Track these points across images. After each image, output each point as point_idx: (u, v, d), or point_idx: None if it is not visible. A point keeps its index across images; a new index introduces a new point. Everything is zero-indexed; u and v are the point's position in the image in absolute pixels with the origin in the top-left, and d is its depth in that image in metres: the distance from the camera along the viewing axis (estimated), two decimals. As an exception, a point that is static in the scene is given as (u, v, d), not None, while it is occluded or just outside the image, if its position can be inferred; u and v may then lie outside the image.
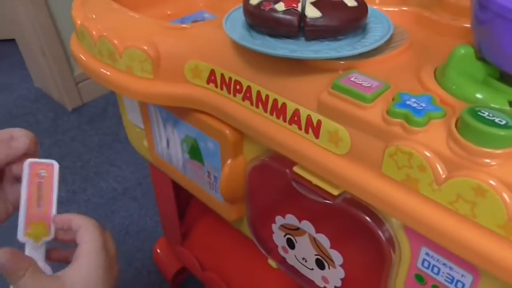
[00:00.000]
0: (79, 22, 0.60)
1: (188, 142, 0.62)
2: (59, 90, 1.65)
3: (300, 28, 0.46)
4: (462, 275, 0.38)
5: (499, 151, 0.32)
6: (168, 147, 0.67)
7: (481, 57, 0.40)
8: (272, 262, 0.58)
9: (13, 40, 1.76)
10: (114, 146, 1.47)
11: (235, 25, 0.49)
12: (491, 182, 0.32)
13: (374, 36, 0.46)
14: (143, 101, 0.57)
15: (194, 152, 0.62)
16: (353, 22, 0.47)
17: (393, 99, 0.39)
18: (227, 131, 0.54)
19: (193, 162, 0.63)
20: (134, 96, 0.57)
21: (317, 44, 0.46)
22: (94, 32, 0.57)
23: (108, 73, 0.58)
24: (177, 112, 0.60)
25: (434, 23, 0.52)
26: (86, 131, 1.56)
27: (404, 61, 0.46)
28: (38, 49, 1.58)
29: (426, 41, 0.50)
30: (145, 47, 0.53)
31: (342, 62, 0.45)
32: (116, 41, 0.55)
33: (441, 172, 0.35)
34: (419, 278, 0.42)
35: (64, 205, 1.24)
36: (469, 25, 0.49)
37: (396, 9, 0.54)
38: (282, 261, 0.56)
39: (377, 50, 0.46)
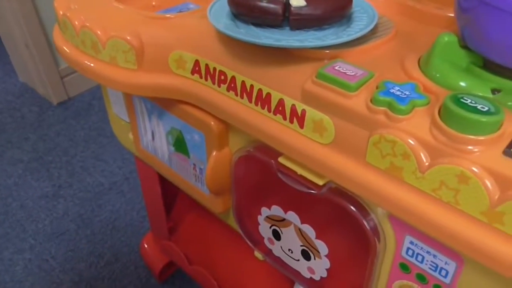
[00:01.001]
0: (61, 12, 0.58)
1: (173, 134, 0.61)
2: (44, 85, 1.63)
3: (284, 17, 0.46)
4: (446, 263, 0.39)
5: (481, 138, 0.32)
6: (153, 139, 0.67)
7: (464, 45, 0.40)
8: (258, 254, 0.58)
9: (-3, 34, 1.73)
10: (100, 140, 1.46)
11: (219, 15, 0.49)
12: (474, 169, 0.32)
13: (359, 25, 0.46)
14: (126, 92, 0.56)
15: (180, 145, 0.61)
16: (338, 11, 0.46)
17: (377, 88, 0.38)
18: (212, 123, 0.53)
19: (178, 154, 0.63)
20: (117, 87, 0.56)
21: (302, 34, 0.46)
22: (76, 23, 0.56)
23: (91, 64, 0.57)
24: (162, 104, 0.59)
25: (418, 13, 0.52)
26: (72, 125, 1.54)
27: (389, 50, 0.46)
28: (22, 43, 1.55)
29: (410, 31, 0.50)
30: (128, 37, 0.52)
31: (327, 51, 0.45)
32: (99, 32, 0.54)
33: (424, 160, 0.35)
34: (404, 266, 0.42)
35: (50, 200, 1.23)
36: (453, 14, 0.50)
37: (381, -1, 0.54)
38: (268, 253, 0.56)
39: (362, 39, 0.46)
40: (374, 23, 0.46)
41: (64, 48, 0.61)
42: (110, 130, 1.50)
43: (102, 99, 1.66)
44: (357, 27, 0.46)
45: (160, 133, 0.64)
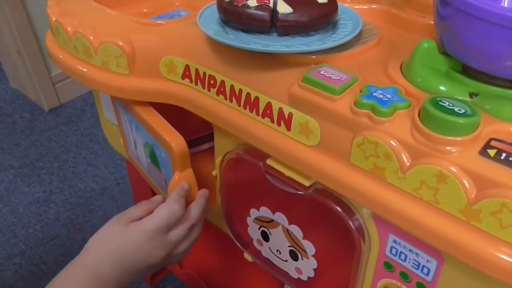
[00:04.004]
0: (54, 18, 0.59)
1: (148, 148, 0.61)
2: (36, 91, 1.63)
3: (272, 24, 0.47)
4: (428, 261, 0.40)
5: (459, 139, 0.34)
6: (136, 148, 0.67)
7: (443, 51, 0.42)
8: (248, 256, 0.59)
9: (-11, 40, 1.73)
10: (92, 146, 1.46)
11: (209, 21, 0.50)
12: (452, 168, 0.34)
13: (344, 31, 0.48)
14: (118, 96, 0.57)
15: (153, 158, 0.61)
16: (324, 18, 0.48)
17: (360, 91, 0.40)
18: (173, 144, 0.52)
19: (154, 167, 0.63)
20: (109, 91, 0.58)
21: (289, 39, 0.47)
22: (69, 28, 0.57)
23: (83, 69, 0.58)
24: (137, 118, 0.59)
25: (402, 20, 0.54)
26: (64, 131, 1.54)
27: (373, 55, 0.48)
28: (14, 49, 1.56)
29: (394, 37, 0.52)
30: (120, 43, 0.53)
31: (313, 57, 0.46)
32: (91, 37, 0.55)
33: (405, 160, 0.36)
34: (388, 265, 0.44)
35: (41, 205, 1.23)
36: (435, 22, 0.52)
37: (365, 7, 0.56)
38: (257, 254, 0.57)
39: (347, 45, 0.47)
40: (359, 29, 0.47)
41: (57, 53, 0.62)
42: (102, 136, 1.51)
43: (93, 106, 1.67)
44: (342, 33, 0.47)
45: (139, 144, 0.65)
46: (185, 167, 0.55)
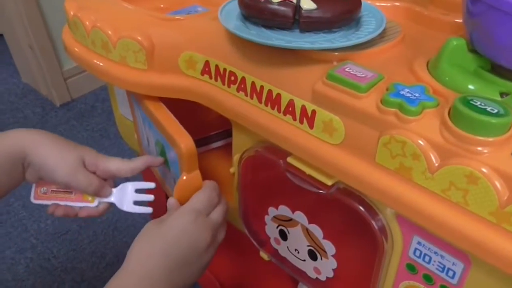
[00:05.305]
0: (72, 12, 0.59)
1: (159, 146, 0.60)
2: (48, 86, 1.63)
3: (295, 20, 0.46)
4: (453, 263, 0.39)
5: (491, 139, 0.33)
6: (148, 145, 0.67)
7: (472, 49, 0.41)
8: (263, 254, 0.59)
9: (1, 35, 1.74)
10: (102, 142, 1.46)
11: (230, 17, 0.49)
12: (483, 169, 0.33)
13: (368, 28, 0.47)
14: (136, 91, 0.57)
15: (163, 157, 0.60)
16: (347, 14, 0.47)
17: (387, 89, 0.39)
18: (182, 145, 0.50)
19: (164, 166, 0.62)
20: (127, 87, 0.57)
21: (312, 36, 0.46)
22: (87, 23, 0.57)
23: (100, 63, 0.57)
24: (148, 114, 0.58)
25: (425, 18, 0.53)
26: (75, 127, 1.54)
27: (397, 53, 0.47)
28: (26, 44, 1.56)
29: (417, 35, 0.51)
30: (139, 38, 0.53)
31: (336, 54, 0.45)
32: (110, 32, 0.55)
33: (434, 160, 0.35)
34: (411, 267, 0.43)
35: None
36: (459, 20, 0.51)
37: (388, 4, 0.55)
38: (274, 253, 0.56)
39: (370, 43, 0.47)
40: (383, 26, 0.47)
41: (74, 48, 0.62)
42: (113, 132, 1.50)
43: (105, 101, 1.67)
44: (366, 31, 0.46)
45: (151, 141, 0.64)
46: (193, 169, 0.53)
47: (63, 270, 1.04)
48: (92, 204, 0.57)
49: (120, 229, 1.13)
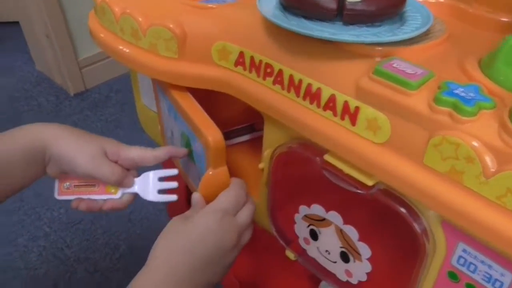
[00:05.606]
0: (100, -1, 0.58)
1: (184, 138, 0.58)
2: (62, 75, 1.62)
3: (338, 12, 0.44)
4: (502, 274, 0.37)
5: (557, 144, 0.31)
6: (172, 137, 0.65)
7: (531, 49, 0.38)
8: (290, 254, 0.57)
9: (17, 23, 1.72)
10: (116, 133, 1.45)
11: (267, 6, 0.47)
12: (546, 176, 0.31)
13: (414, 24, 0.45)
14: (165, 80, 0.55)
15: (189, 149, 0.59)
16: (392, 9, 0.45)
17: (438, 88, 0.37)
18: (210, 137, 0.49)
19: (188, 159, 0.60)
20: (156, 75, 0.55)
21: (355, 29, 0.44)
22: (116, 9, 0.55)
23: (129, 50, 0.56)
24: (174, 105, 0.57)
25: (469, 16, 0.51)
26: (89, 116, 1.53)
27: (443, 51, 0.45)
28: (43, 32, 1.55)
29: (462, 33, 0.49)
30: (171, 25, 0.51)
31: (379, 48, 0.43)
32: (140, 19, 0.53)
33: (490, 165, 0.33)
34: (452, 275, 0.41)
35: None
36: (505, 19, 0.49)
37: (432, 0, 0.53)
38: (302, 253, 0.55)
39: (414, 39, 0.44)
40: (431, 22, 0.44)
41: (100, 34, 0.60)
42: (127, 123, 1.49)
43: (119, 92, 1.65)
44: (413, 26, 0.44)
45: (176, 133, 0.62)
46: (220, 164, 0.51)
47: (76, 260, 1.03)
48: (116, 196, 0.55)
49: (133, 221, 1.12)
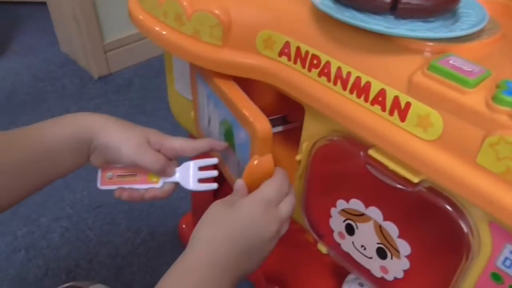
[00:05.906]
0: (144, -18, 0.57)
1: (225, 126, 0.58)
2: (87, 57, 1.63)
3: (392, 5, 0.44)
4: (551, 278, 0.37)
5: None
6: (209, 125, 0.65)
7: None
8: (322, 247, 0.57)
9: (43, 3, 1.74)
10: (139, 118, 1.46)
11: (317, -3, 0.47)
12: None
13: (469, 21, 0.44)
14: (207, 67, 0.55)
15: (229, 137, 0.58)
16: (447, 4, 0.44)
17: (497, 87, 0.36)
18: (258, 126, 0.48)
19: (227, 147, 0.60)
20: (197, 62, 0.55)
21: (408, 23, 0.44)
22: (161, -7, 0.55)
23: (172, 36, 0.56)
24: (218, 93, 0.57)
25: (522, 16, 0.50)
26: (112, 100, 1.54)
27: (498, 50, 0.44)
28: (70, 14, 1.56)
29: (515, 33, 0.48)
30: (217, 11, 0.51)
31: (431, 44, 0.42)
32: (185, 3, 0.53)
33: (549, 167, 0.33)
34: (496, 277, 0.40)
35: (89, 172, 1.22)
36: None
37: (483, -1, 0.52)
38: (335, 247, 0.54)
39: (467, 37, 0.44)
40: (487, 20, 0.44)
41: (141, 17, 0.60)
42: (150, 109, 1.50)
43: (143, 77, 1.66)
44: (469, 23, 0.43)
45: (214, 121, 0.62)
46: (266, 151, 0.51)
47: (98, 242, 1.04)
48: (157, 185, 0.56)
49: (155, 207, 1.13)
